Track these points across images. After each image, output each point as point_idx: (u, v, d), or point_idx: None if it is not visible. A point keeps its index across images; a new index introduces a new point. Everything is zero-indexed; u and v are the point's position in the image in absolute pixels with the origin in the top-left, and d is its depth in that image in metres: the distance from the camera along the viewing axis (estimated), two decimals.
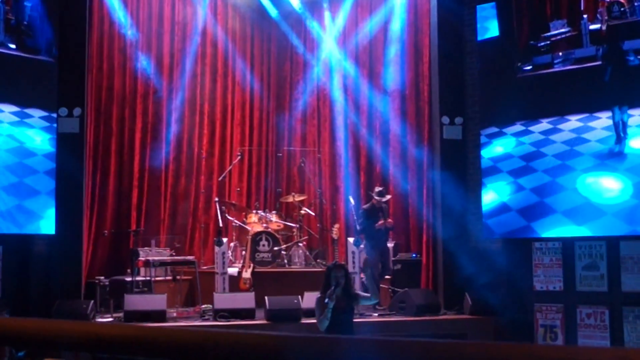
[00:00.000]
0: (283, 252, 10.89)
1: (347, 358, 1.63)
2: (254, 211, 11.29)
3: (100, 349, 1.85)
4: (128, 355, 1.83)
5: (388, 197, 9.68)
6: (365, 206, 9.81)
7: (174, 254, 10.54)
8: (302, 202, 11.70)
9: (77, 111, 8.66)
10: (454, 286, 9.04)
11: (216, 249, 9.39)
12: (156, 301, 8.28)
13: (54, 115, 8.57)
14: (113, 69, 11.26)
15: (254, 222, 11.09)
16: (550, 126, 8.71)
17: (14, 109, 8.34)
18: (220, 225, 9.96)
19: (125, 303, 8.15)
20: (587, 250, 8.30)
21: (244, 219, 11.24)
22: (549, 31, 8.75)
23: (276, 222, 11.19)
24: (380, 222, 9.37)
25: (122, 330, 1.86)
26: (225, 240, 9.58)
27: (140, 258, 9.54)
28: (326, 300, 5.99)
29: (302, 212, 11.45)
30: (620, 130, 8.02)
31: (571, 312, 8.31)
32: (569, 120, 8.47)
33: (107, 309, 9.00)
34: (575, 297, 8.32)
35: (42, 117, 8.52)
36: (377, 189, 9.78)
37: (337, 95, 12.38)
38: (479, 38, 9.29)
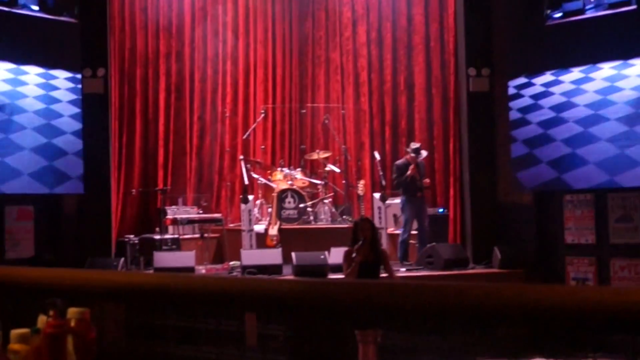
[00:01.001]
0: (309, 209, 10.88)
1: (382, 301, 1.58)
2: (279, 169, 11.26)
3: (135, 298, 1.82)
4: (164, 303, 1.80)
5: (424, 154, 9.46)
6: (398, 162, 9.68)
7: (201, 212, 10.59)
8: (326, 158, 11.63)
9: (101, 71, 8.60)
10: (482, 240, 8.96)
11: (242, 206, 9.39)
12: (185, 258, 8.33)
13: (79, 76, 8.53)
14: (135, 30, 11.20)
15: (279, 180, 11.07)
16: (581, 75, 8.49)
17: (39, 70, 8.32)
18: (246, 183, 9.94)
19: (155, 260, 8.22)
20: (620, 202, 8.15)
21: (269, 177, 11.22)
22: None
23: (301, 179, 11.15)
24: (411, 168, 9.15)
25: (156, 279, 1.82)
26: (251, 197, 9.56)
27: (168, 216, 9.60)
28: (353, 254, 5.93)
29: (327, 168, 11.39)
30: None
31: (604, 265, 8.20)
32: (601, 68, 8.25)
33: (138, 266, 9.09)
34: (608, 250, 8.20)
35: (67, 79, 8.50)
36: (413, 145, 9.63)
37: (361, 50, 12.21)
38: None
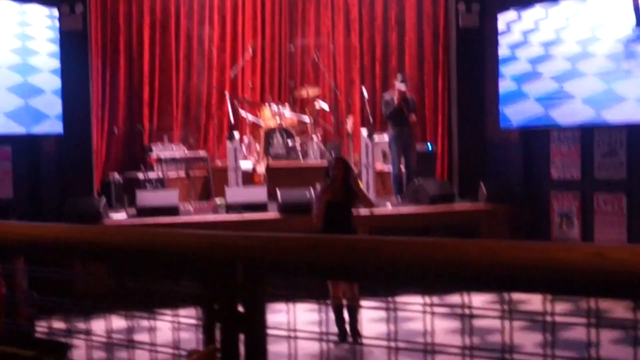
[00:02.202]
0: (297, 146, 10.79)
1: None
2: (267, 105, 11.12)
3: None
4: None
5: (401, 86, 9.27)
6: (386, 95, 9.54)
7: (187, 150, 10.50)
8: (316, 95, 11.48)
9: (79, 8, 8.37)
10: (469, 176, 8.92)
11: (228, 144, 9.29)
12: (168, 196, 8.27)
13: (55, 12, 8.30)
14: None
15: (268, 117, 10.95)
16: (571, 9, 8.27)
17: (14, 5, 8.09)
18: (232, 120, 9.82)
19: (138, 199, 8.16)
20: (606, 138, 8.06)
21: (258, 114, 11.10)
22: None
23: (290, 116, 11.03)
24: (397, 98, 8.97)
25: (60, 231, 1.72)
26: (237, 135, 9.46)
27: (153, 155, 9.52)
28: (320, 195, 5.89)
29: (316, 105, 11.25)
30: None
31: (588, 200, 8.17)
32: (590, 3, 8.02)
33: (122, 205, 9.07)
34: (592, 185, 8.15)
35: (43, 15, 8.27)
36: (399, 75, 9.51)
37: None
38: None
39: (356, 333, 5.93)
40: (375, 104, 11.51)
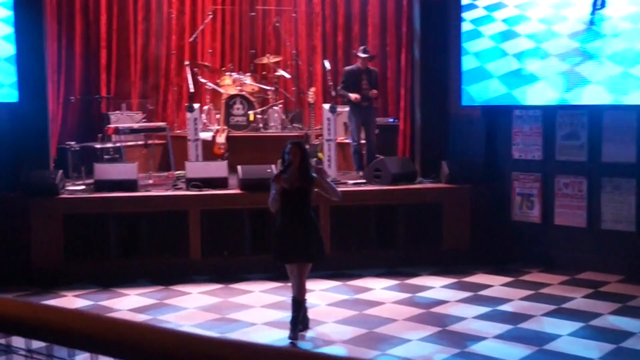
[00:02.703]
0: (258, 116, 10.65)
1: None
2: (228, 73, 10.91)
3: None
4: None
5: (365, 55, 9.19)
6: (348, 67, 9.42)
7: (145, 118, 10.27)
8: (277, 63, 11.30)
9: None
10: (431, 154, 8.92)
11: (187, 115, 9.10)
12: (127, 170, 8.10)
13: None
14: None
15: (228, 85, 10.76)
16: None
17: None
18: (192, 90, 9.60)
19: (95, 172, 7.98)
20: (568, 119, 8.13)
21: (218, 81, 10.89)
22: None
23: (250, 84, 10.85)
24: (355, 96, 9.00)
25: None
26: (197, 106, 9.27)
27: (110, 125, 9.29)
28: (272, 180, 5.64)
29: (278, 74, 11.09)
30: None
31: (549, 182, 8.27)
32: None
33: (80, 175, 8.86)
34: (554, 167, 8.24)
35: None
36: (361, 47, 9.40)
37: None
38: None
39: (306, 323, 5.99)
40: (337, 75, 11.39)
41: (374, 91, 9.05)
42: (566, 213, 8.12)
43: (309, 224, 5.69)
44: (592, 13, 7.75)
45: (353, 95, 9.01)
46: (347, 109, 10.65)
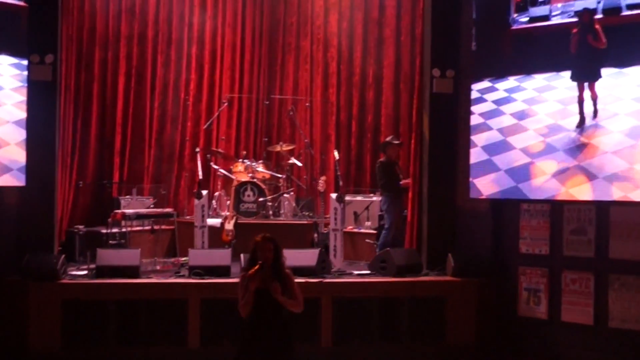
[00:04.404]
0: (269, 203, 10.66)
1: None
2: (241, 160, 11.01)
3: None
4: None
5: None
6: (382, 159, 9.46)
7: (152, 205, 10.31)
8: (290, 151, 11.40)
9: (49, 58, 8.24)
10: (438, 245, 8.79)
11: (195, 201, 9.15)
12: (130, 256, 8.08)
13: (25, 62, 8.17)
14: (95, 10, 10.83)
15: (240, 172, 10.84)
16: (545, 83, 8.28)
17: None
18: (201, 176, 9.71)
19: (97, 258, 7.98)
20: (575, 214, 7.99)
21: (230, 168, 10.98)
22: None
23: (262, 171, 10.92)
24: (405, 181, 9.27)
25: None
26: (205, 192, 9.32)
27: (118, 210, 9.35)
28: (246, 281, 5.10)
29: (290, 162, 11.16)
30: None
31: (556, 277, 8.06)
32: (564, 77, 8.02)
33: (85, 260, 8.85)
34: (561, 262, 8.05)
35: (12, 65, 8.13)
36: (391, 136, 9.67)
37: (332, 39, 11.92)
38: None
39: None
40: (350, 164, 11.46)
41: (408, 181, 9.24)
42: (573, 310, 7.88)
43: (281, 328, 5.24)
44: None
45: (404, 181, 9.25)
46: (357, 197, 10.67)
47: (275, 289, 5.09)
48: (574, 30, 7.87)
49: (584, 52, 7.80)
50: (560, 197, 7.92)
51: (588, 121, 7.86)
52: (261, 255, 5.15)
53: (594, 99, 7.80)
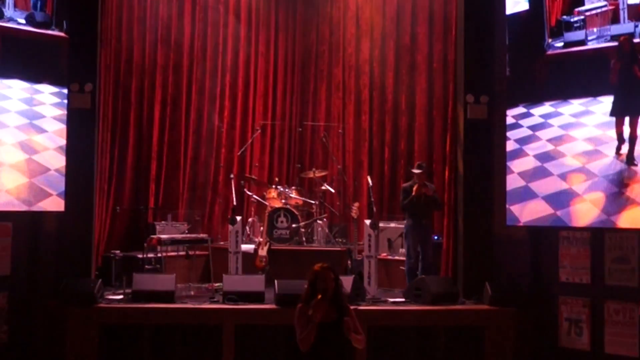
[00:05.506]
0: (302, 230, 10.66)
1: None
2: (274, 186, 11.05)
3: None
4: None
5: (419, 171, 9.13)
6: (406, 184, 9.37)
7: (187, 231, 10.37)
8: (323, 177, 11.40)
9: (88, 87, 8.40)
10: (474, 273, 8.68)
11: (230, 227, 9.18)
12: (165, 281, 8.12)
13: (65, 91, 8.35)
14: (132, 40, 11.02)
15: (273, 198, 10.87)
16: (582, 108, 8.19)
17: (24, 85, 8.16)
18: (234, 202, 9.75)
19: (134, 282, 8.03)
20: (617, 242, 7.83)
21: (264, 194, 11.02)
22: (584, 5, 8.20)
23: (295, 198, 10.94)
24: (415, 187, 8.89)
25: None
26: (239, 218, 9.35)
27: (153, 236, 9.43)
28: (310, 312, 4.79)
29: (323, 188, 11.17)
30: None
31: (598, 307, 7.87)
32: (601, 102, 7.94)
33: (121, 284, 8.90)
34: (603, 291, 7.86)
35: (52, 94, 8.33)
36: (417, 164, 9.42)
37: (363, 67, 11.96)
38: (509, 12, 8.75)
39: None
40: (383, 190, 11.41)
41: (428, 188, 8.97)
42: (617, 341, 7.68)
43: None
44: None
45: (415, 187, 8.92)
46: (391, 224, 10.60)
47: (347, 324, 4.82)
48: (613, 61, 7.75)
49: (628, 83, 7.58)
50: (601, 225, 7.77)
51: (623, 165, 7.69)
52: (322, 286, 4.85)
53: (635, 138, 7.57)
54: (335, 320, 4.87)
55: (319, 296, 4.83)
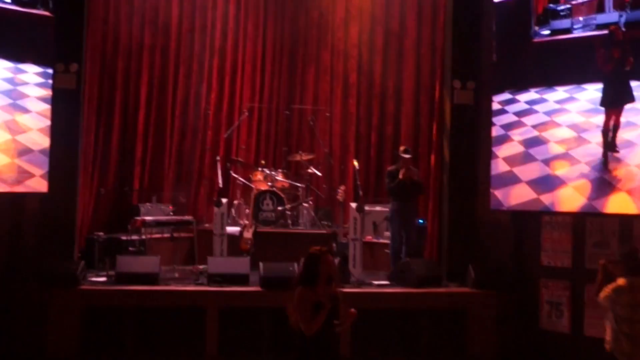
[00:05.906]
0: (287, 212, 10.67)
1: None
2: (260, 169, 11.04)
3: None
4: None
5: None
6: (391, 168, 9.37)
7: (171, 213, 10.35)
8: (310, 160, 11.40)
9: (73, 67, 8.36)
10: (458, 257, 8.76)
11: (215, 209, 9.18)
12: (149, 263, 8.12)
13: (50, 71, 8.29)
14: (119, 21, 10.92)
15: (259, 181, 10.85)
16: (566, 95, 8.25)
17: (8, 64, 8.10)
18: (220, 185, 9.74)
19: (117, 264, 8.03)
20: (598, 227, 7.92)
21: (250, 177, 11.01)
22: None
23: (282, 180, 10.94)
24: (402, 171, 8.80)
25: None
26: (225, 201, 9.35)
27: (138, 217, 9.40)
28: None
29: (309, 171, 11.18)
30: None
31: (578, 290, 7.98)
32: (585, 89, 7.99)
33: (104, 266, 8.89)
34: (583, 275, 7.94)
35: (37, 74, 8.28)
36: (402, 148, 9.37)
37: (352, 51, 11.94)
38: None
39: None
40: (369, 174, 11.44)
41: (413, 172, 8.92)
42: (597, 324, 7.74)
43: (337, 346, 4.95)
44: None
45: (402, 171, 8.84)
46: (377, 208, 10.62)
47: (352, 314, 4.74)
48: (602, 50, 7.76)
49: (618, 73, 7.62)
50: (582, 210, 7.84)
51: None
52: (325, 270, 4.67)
53: (618, 126, 7.65)
54: (333, 306, 4.70)
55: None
